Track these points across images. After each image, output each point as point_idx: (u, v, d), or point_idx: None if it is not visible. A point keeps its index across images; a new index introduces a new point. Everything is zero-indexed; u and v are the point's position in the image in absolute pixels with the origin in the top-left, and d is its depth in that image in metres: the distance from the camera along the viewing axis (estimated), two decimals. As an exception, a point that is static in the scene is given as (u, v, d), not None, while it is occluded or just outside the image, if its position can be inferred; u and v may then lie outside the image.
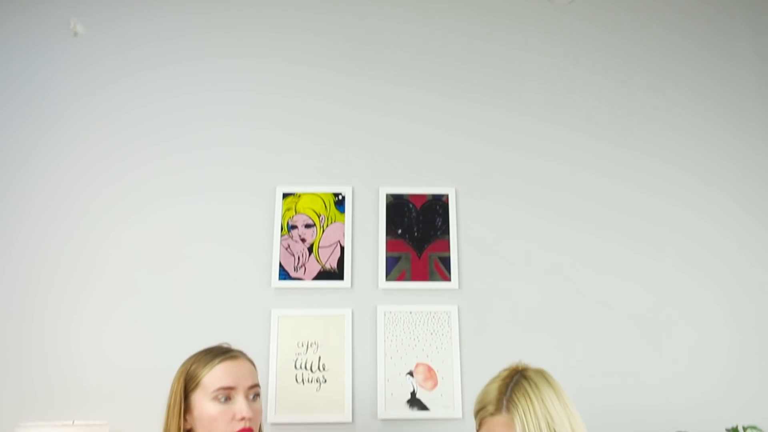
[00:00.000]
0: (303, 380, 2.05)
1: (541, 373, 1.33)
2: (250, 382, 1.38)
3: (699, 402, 2.07)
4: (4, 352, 2.05)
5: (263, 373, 1.91)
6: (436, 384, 2.06)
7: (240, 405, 1.33)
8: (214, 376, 1.35)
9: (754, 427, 1.79)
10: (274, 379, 2.04)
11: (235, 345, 1.48)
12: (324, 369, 2.06)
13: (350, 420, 2.02)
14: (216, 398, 1.33)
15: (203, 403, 1.33)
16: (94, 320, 2.09)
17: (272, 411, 2.01)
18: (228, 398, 1.33)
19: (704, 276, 2.20)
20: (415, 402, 2.04)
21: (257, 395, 1.40)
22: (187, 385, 1.36)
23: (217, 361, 1.37)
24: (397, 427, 2.03)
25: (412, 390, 2.05)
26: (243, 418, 1.32)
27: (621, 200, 2.27)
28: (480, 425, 1.30)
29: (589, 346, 2.11)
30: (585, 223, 2.24)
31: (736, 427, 1.83)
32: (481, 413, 1.29)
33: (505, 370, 1.35)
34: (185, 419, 1.34)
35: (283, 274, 2.14)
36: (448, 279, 2.15)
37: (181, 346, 1.52)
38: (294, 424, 2.02)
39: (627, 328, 2.13)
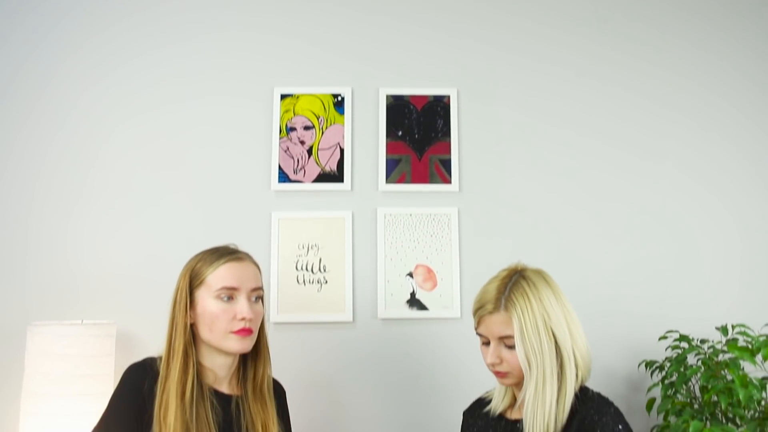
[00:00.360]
0: (304, 281, 2.08)
1: (539, 273, 1.34)
2: (253, 285, 1.39)
3: (691, 303, 2.12)
4: (11, 253, 2.08)
5: (265, 274, 1.93)
6: (435, 285, 2.10)
7: (241, 305, 1.35)
8: (219, 275, 1.36)
9: (742, 326, 1.83)
10: (276, 280, 2.07)
11: (238, 247, 1.49)
12: (325, 270, 2.09)
13: (351, 319, 2.07)
14: (219, 297, 1.35)
15: (206, 301, 1.35)
16: (99, 222, 2.10)
17: (274, 311, 2.05)
18: (230, 298, 1.35)
19: (705, 180, 2.19)
20: (414, 302, 2.09)
21: (259, 298, 1.42)
22: (192, 281, 1.37)
23: (222, 261, 1.37)
24: (397, 326, 2.09)
25: (411, 291, 2.09)
26: (243, 319, 1.35)
27: (624, 106, 2.22)
28: (478, 323, 1.33)
29: (587, 248, 2.14)
30: (587, 127, 2.21)
31: (726, 326, 1.88)
32: (479, 312, 1.31)
33: (503, 270, 1.36)
34: (189, 314, 1.36)
35: (283, 177, 2.12)
36: (448, 181, 2.14)
37: (183, 249, 1.53)
38: (296, 323, 2.07)
39: (624, 231, 2.15)
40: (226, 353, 1.38)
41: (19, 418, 1.82)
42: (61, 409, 1.73)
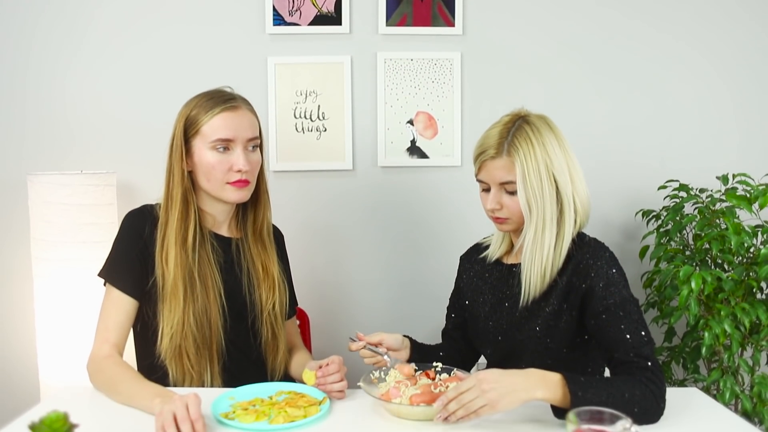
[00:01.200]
0: (303, 129, 2.05)
1: (542, 118, 1.30)
2: (249, 135, 1.35)
3: (693, 154, 2.10)
4: (9, 103, 2.03)
5: (262, 122, 1.89)
6: (436, 133, 2.07)
7: (237, 157, 1.32)
8: (214, 125, 1.32)
9: (743, 174, 1.83)
10: (274, 128, 2.04)
11: (234, 90, 1.42)
12: (324, 118, 2.05)
13: (351, 167, 2.07)
14: (214, 148, 1.32)
15: (202, 151, 1.33)
16: (96, 72, 2.04)
17: (273, 159, 2.04)
18: (226, 149, 1.33)
19: (704, 46, 2.09)
20: (414, 150, 2.07)
21: (257, 146, 1.39)
22: (187, 129, 1.34)
23: (217, 110, 1.32)
24: (397, 174, 2.09)
25: (412, 138, 2.06)
26: (239, 171, 1.33)
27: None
28: (479, 169, 1.31)
29: (591, 101, 2.08)
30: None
31: (726, 175, 1.87)
32: (481, 157, 1.29)
33: (507, 115, 1.31)
34: (186, 161, 1.35)
35: (278, 19, 2.01)
36: (451, 24, 2.02)
37: (179, 95, 1.47)
38: (295, 171, 2.07)
39: (627, 86, 2.09)
40: (225, 202, 1.38)
41: (31, 262, 1.88)
42: (70, 255, 1.79)
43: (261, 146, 1.42)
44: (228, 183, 1.34)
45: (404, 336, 1.43)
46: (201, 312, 1.32)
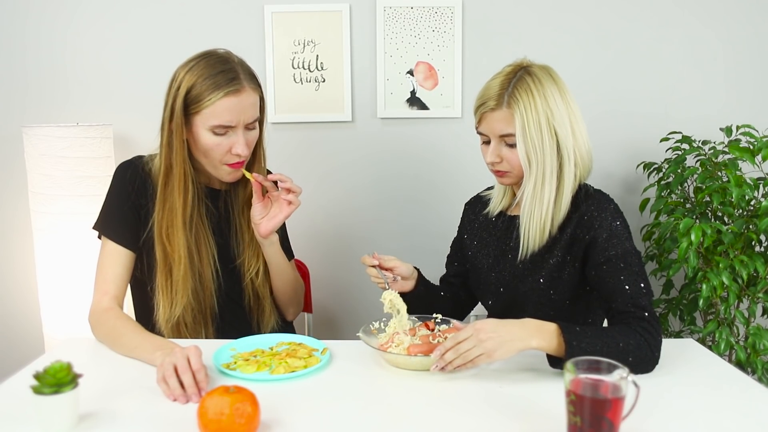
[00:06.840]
0: (301, 80, 2.02)
1: (545, 69, 1.27)
2: (250, 118, 1.29)
3: (696, 105, 2.07)
4: (4, 55, 2.00)
5: (260, 73, 1.86)
6: (436, 83, 2.03)
7: (236, 140, 1.28)
8: (216, 111, 1.25)
9: (748, 126, 1.81)
10: (272, 79, 2.00)
11: (230, 46, 1.36)
12: (322, 68, 2.01)
13: (350, 119, 2.04)
14: (213, 131, 1.27)
15: (200, 130, 1.28)
16: (91, 23, 1.99)
17: (272, 111, 2.02)
18: (225, 133, 1.28)
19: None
20: (414, 101, 2.04)
21: (255, 126, 1.34)
22: (188, 105, 1.27)
23: (221, 93, 1.24)
24: (397, 126, 2.06)
25: (412, 89, 2.03)
26: (238, 154, 1.29)
27: None
28: (479, 121, 1.29)
29: (594, 51, 2.04)
30: None
31: (730, 126, 1.85)
32: (481, 109, 1.26)
33: (509, 65, 1.28)
34: (185, 132, 1.28)
35: (274, -35, 1.96)
36: (453, -30, 1.97)
37: (176, 47, 1.44)
38: (294, 123, 2.05)
39: (631, 36, 2.04)
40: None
41: (30, 216, 1.88)
42: (69, 209, 1.79)
43: (263, 114, 1.37)
44: (224, 164, 1.31)
45: (414, 267, 1.42)
46: (197, 280, 1.32)
